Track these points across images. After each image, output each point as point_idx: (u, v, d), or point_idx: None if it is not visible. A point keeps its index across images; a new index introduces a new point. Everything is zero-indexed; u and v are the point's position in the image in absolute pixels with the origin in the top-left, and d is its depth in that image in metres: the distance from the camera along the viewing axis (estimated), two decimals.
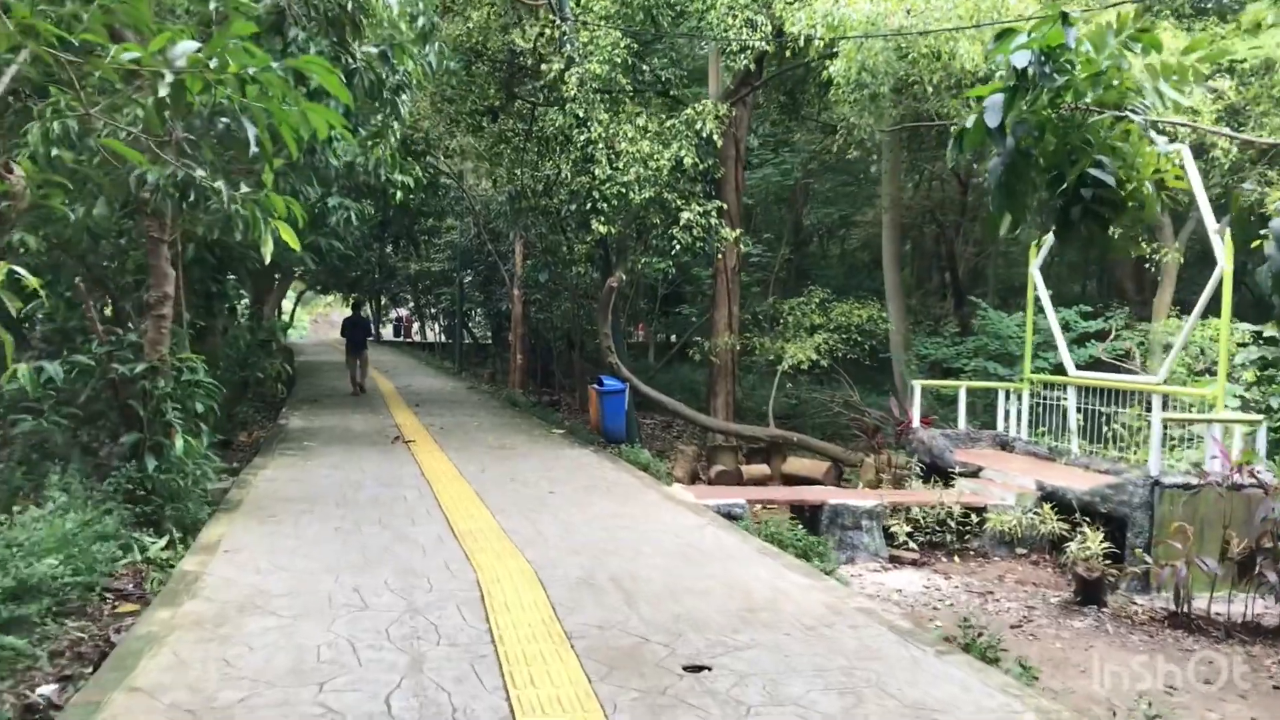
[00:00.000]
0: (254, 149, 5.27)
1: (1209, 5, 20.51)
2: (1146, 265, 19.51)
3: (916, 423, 14.34)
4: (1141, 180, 7.90)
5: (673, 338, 36.91)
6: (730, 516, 10.82)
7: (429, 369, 36.50)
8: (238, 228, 6.52)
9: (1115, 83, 7.78)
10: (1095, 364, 18.97)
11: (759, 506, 11.76)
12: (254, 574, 7.74)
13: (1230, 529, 10.36)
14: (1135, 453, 12.73)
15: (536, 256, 27.28)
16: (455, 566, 8.06)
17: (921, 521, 11.53)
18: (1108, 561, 10.61)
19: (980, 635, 7.29)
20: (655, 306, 33.40)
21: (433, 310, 47.53)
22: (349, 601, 7.02)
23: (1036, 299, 14.26)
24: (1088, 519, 10.94)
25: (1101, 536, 10.62)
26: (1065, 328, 19.95)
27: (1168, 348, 18.89)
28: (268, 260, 6.36)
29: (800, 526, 10.73)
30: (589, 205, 15.15)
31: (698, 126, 14.96)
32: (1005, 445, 14.42)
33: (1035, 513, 11.45)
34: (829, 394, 21.78)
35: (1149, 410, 12.47)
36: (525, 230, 26.08)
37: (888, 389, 23.10)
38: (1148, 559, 10.08)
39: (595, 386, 16.09)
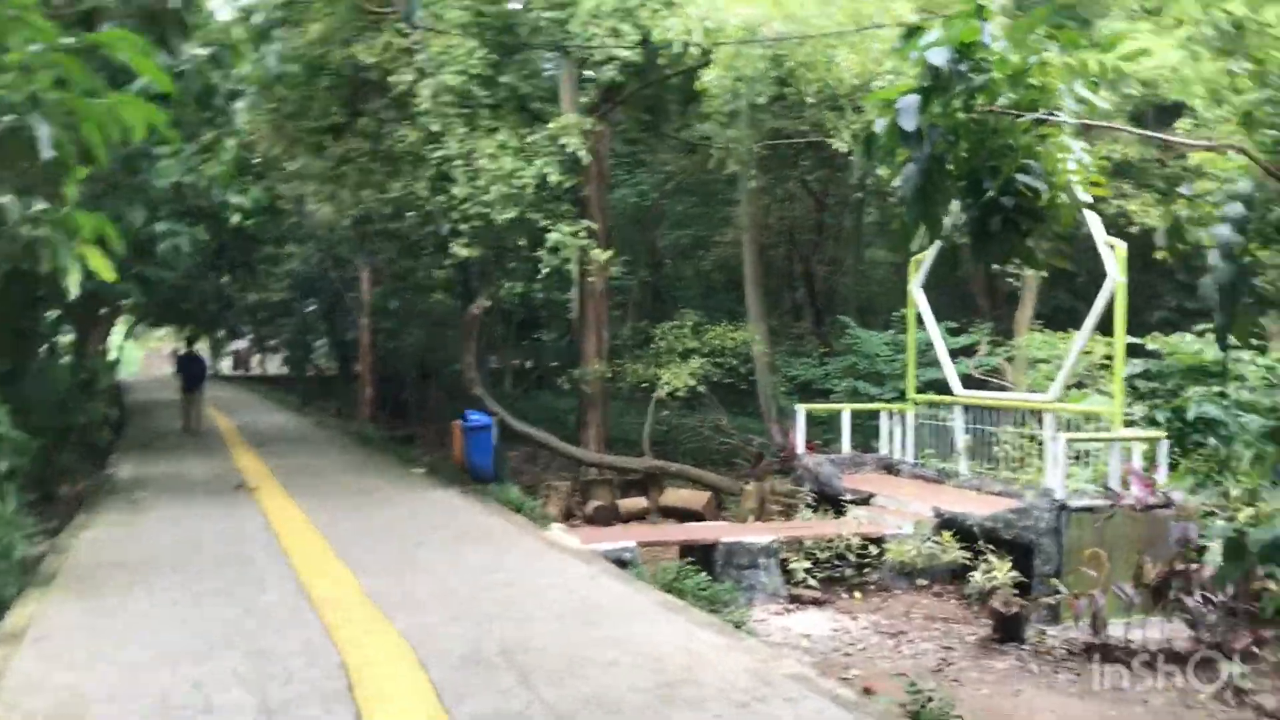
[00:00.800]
0: (47, 153, 4.12)
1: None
2: (1010, 279, 19.46)
3: (801, 448, 13.72)
4: (1059, 188, 7.32)
5: (528, 364, 35.94)
6: (620, 563, 9.90)
7: (270, 404, 34.53)
8: (39, 254, 5.31)
9: (1036, 82, 7.17)
10: (966, 381, 18.81)
11: (650, 548, 10.88)
12: (68, 670, 6.43)
13: (1142, 553, 9.98)
14: (1029, 473, 12.36)
15: (386, 283, 25.92)
16: (316, 646, 6.90)
17: (820, 556, 10.84)
18: (1015, 591, 10.10)
19: (930, 701, 6.53)
20: (511, 332, 32.31)
21: (273, 342, 45.29)
22: (188, 702, 5.81)
23: (919, 317, 13.81)
24: (991, 546, 10.43)
25: (1009, 565, 10.12)
26: (929, 345, 19.81)
27: (1033, 363, 18.92)
28: (74, 292, 5.17)
29: (695, 569, 9.88)
30: (448, 227, 14.09)
31: (562, 142, 14.07)
32: (890, 468, 13.92)
33: (935, 541, 10.89)
34: (699, 419, 21.12)
35: (1041, 428, 12.12)
36: (372, 256, 24.73)
37: (751, 410, 22.61)
38: (1062, 589, 9.59)
39: (460, 421, 14.98)
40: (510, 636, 7.02)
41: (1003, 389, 17.31)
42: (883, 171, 7.83)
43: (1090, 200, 7.36)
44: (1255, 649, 9.31)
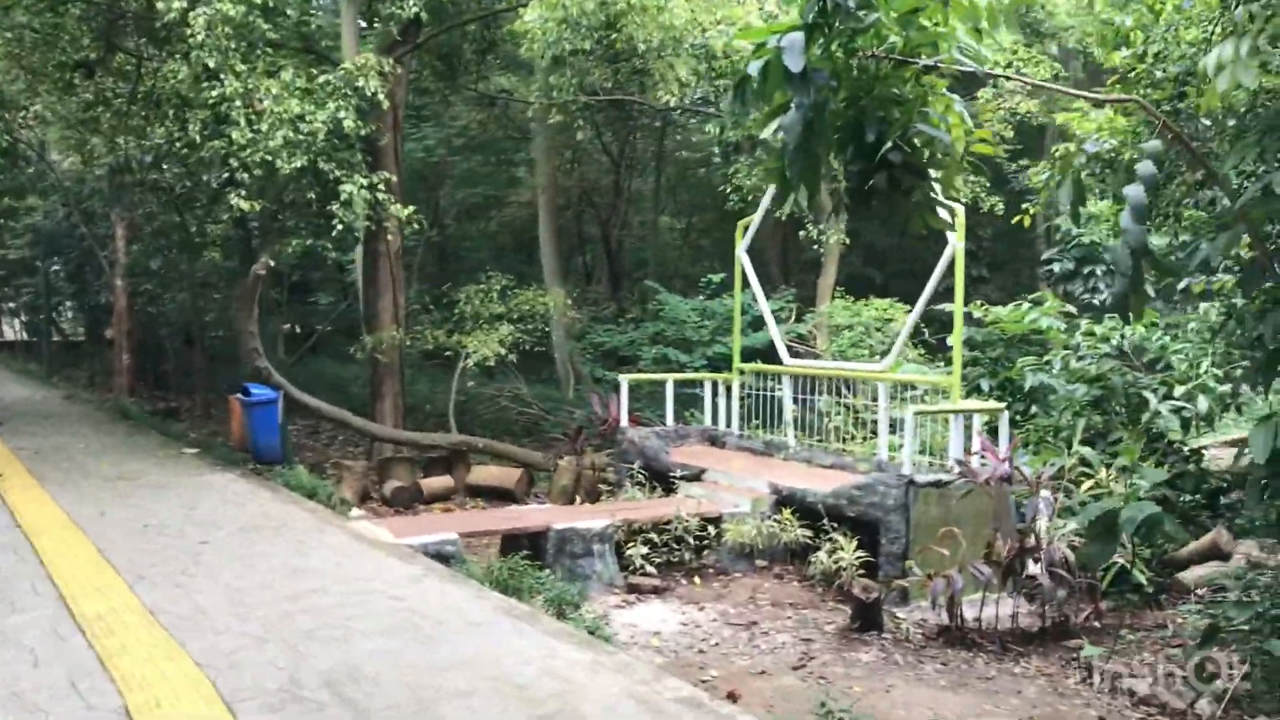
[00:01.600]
0: None
1: None
2: (815, 246, 19.24)
3: (625, 421, 12.88)
4: (952, 143, 6.65)
5: (298, 329, 33.62)
6: (442, 557, 8.78)
7: (10, 373, 31.09)
8: None
9: (928, 24, 6.49)
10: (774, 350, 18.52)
11: (474, 538, 9.79)
12: None
13: (992, 529, 9.67)
14: (860, 444, 11.97)
15: (145, 240, 23.42)
16: (88, 684, 5.54)
17: (656, 540, 10.05)
18: (861, 571, 9.62)
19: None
20: (285, 294, 30.08)
21: (11, 305, 40.91)
22: None
23: (746, 283, 13.19)
24: (834, 524, 9.91)
25: (855, 545, 9.62)
26: (741, 312, 19.40)
27: (837, 329, 18.83)
28: None
29: (529, 562, 8.89)
30: (225, 176, 12.44)
31: (359, 84, 12.61)
32: (715, 441, 13.30)
33: (775, 520, 10.30)
34: (496, 388, 20.00)
35: (874, 399, 11.73)
36: (130, 210, 22.25)
37: (549, 378, 21.70)
38: (916, 569, 9.14)
39: (240, 396, 13.36)
40: (334, 662, 5.85)
41: (813, 356, 17.06)
42: (754, 120, 7.01)
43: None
44: (1096, 623, 9.21)
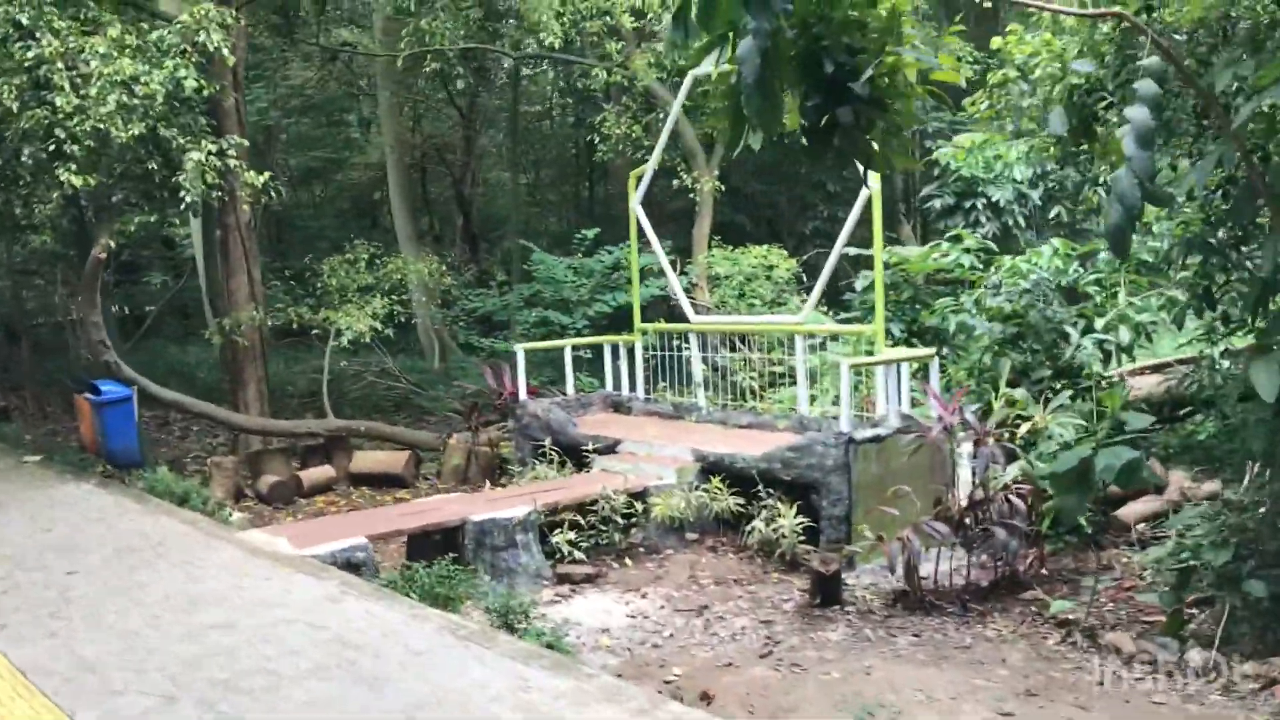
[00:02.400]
0: None
1: None
2: (691, 194, 18.56)
3: (524, 394, 11.98)
4: (906, 74, 6.11)
5: (126, 310, 31.18)
6: (352, 565, 7.81)
7: None
8: None
9: None
10: (653, 306, 17.87)
11: (384, 539, 8.80)
12: None
13: (934, 482, 9.25)
14: (777, 401, 11.42)
15: None
16: None
17: (582, 522, 9.27)
18: (802, 538, 9.08)
19: None
20: (114, 275, 27.79)
21: None
22: None
23: (642, 237, 12.41)
24: (769, 490, 9.32)
25: (795, 510, 9.06)
26: (616, 268, 18.63)
27: (716, 279, 18.27)
28: None
29: (458, 565, 7.99)
30: (51, 149, 10.92)
31: (200, 38, 11.21)
32: (619, 407, 12.54)
33: (704, 489, 9.64)
34: (360, 365, 18.77)
35: (792, 353, 11.17)
36: None
37: (407, 349, 20.55)
38: (867, 532, 8.62)
39: (88, 395, 11.91)
40: None
41: (704, 310, 16.46)
42: (693, 53, 6.20)
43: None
44: (1043, 570, 8.91)
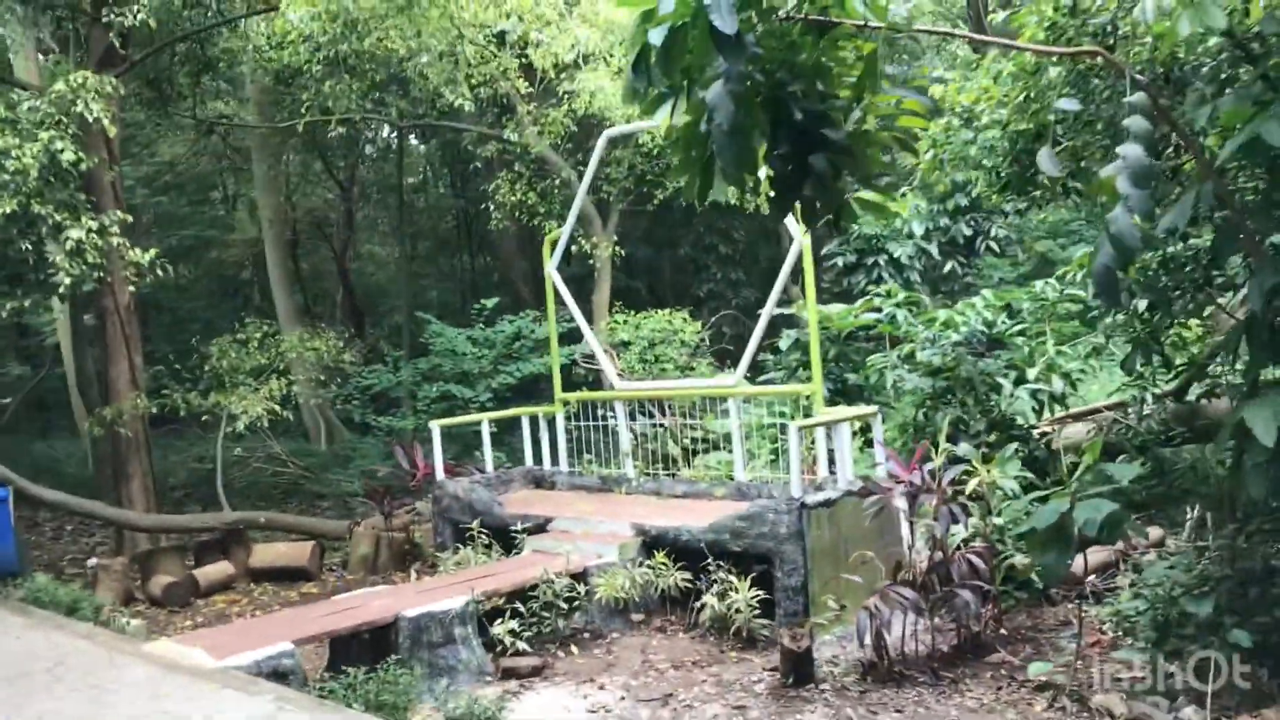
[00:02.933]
0: None
1: None
2: (590, 260, 18.20)
3: (441, 473, 11.28)
4: (876, 119, 5.90)
5: None
6: (278, 675, 7.02)
7: None
8: None
9: None
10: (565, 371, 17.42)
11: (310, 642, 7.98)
12: None
13: (884, 545, 8.91)
14: (706, 469, 10.99)
15: None
16: None
17: (523, 610, 8.62)
18: (756, 611, 8.62)
19: None
20: None
21: None
22: None
23: (560, 303, 11.92)
24: (720, 563, 8.85)
25: (749, 583, 8.61)
26: (517, 338, 18.10)
27: (618, 345, 17.91)
28: None
29: (401, 668, 7.26)
30: None
31: (77, 108, 10.41)
32: (541, 482, 11.93)
33: (649, 566, 9.12)
34: (244, 450, 17.70)
35: (719, 417, 10.77)
36: None
37: (287, 432, 19.54)
38: (831, 602, 8.21)
39: None
40: None
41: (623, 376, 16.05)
42: (646, 103, 5.84)
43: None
44: (1002, 629, 8.63)
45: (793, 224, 9.73)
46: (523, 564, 9.48)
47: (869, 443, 10.76)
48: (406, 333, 19.88)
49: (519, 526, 10.09)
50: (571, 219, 11.66)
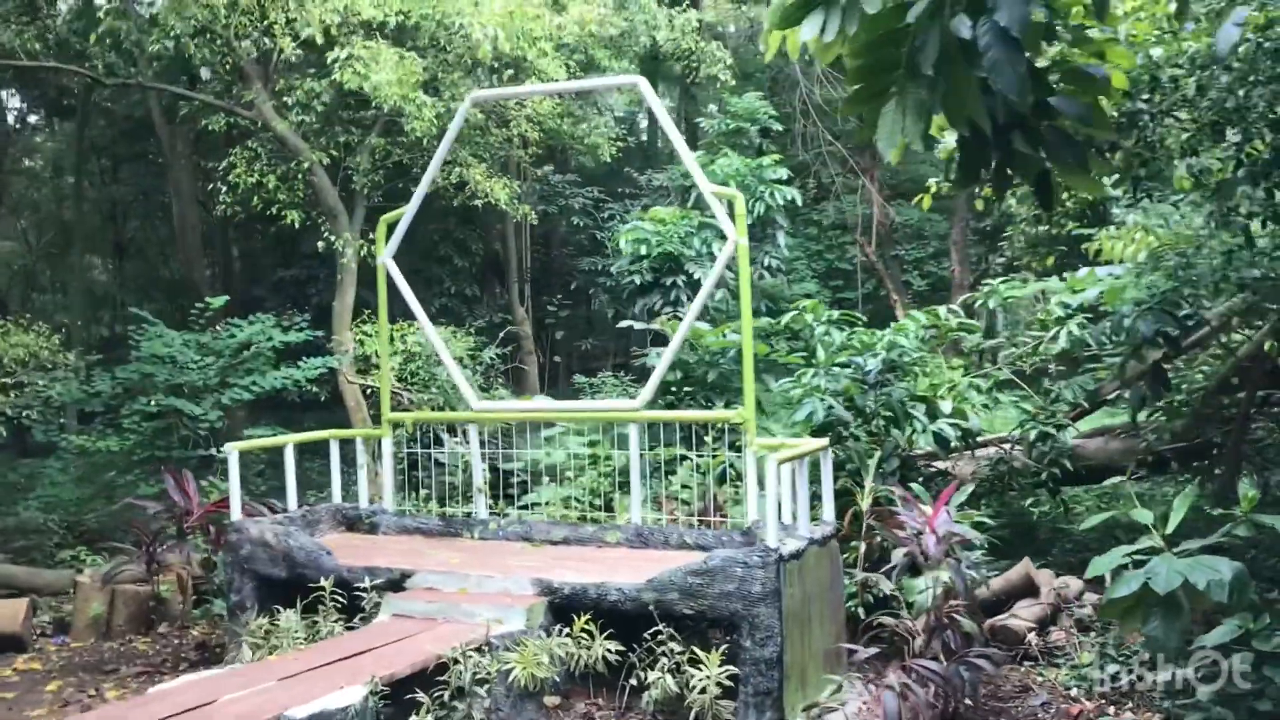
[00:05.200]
0: None
1: None
2: (341, 258, 15.65)
3: (238, 512, 8.55)
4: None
5: None
6: None
7: None
8: None
9: None
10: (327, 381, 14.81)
11: None
12: None
13: (835, 601, 7.51)
14: (547, 507, 9.12)
15: None
16: None
17: (426, 700, 6.37)
18: (718, 692, 6.90)
19: None
20: None
21: None
22: None
23: (398, 299, 9.59)
24: (671, 628, 7.05)
25: (719, 657, 6.88)
26: (245, 346, 15.11)
27: (366, 360, 15.64)
28: None
29: None
30: None
31: None
32: (355, 524, 9.46)
33: (570, 636, 7.12)
34: None
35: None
36: None
37: None
38: (832, 677, 6.63)
39: None
40: None
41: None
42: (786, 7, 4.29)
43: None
44: (968, 700, 7.46)
45: (725, 220, 8.14)
46: (387, 632, 7.16)
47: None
48: (96, 336, 16.21)
49: (367, 583, 7.71)
50: (416, 199, 9.40)
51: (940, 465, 10.08)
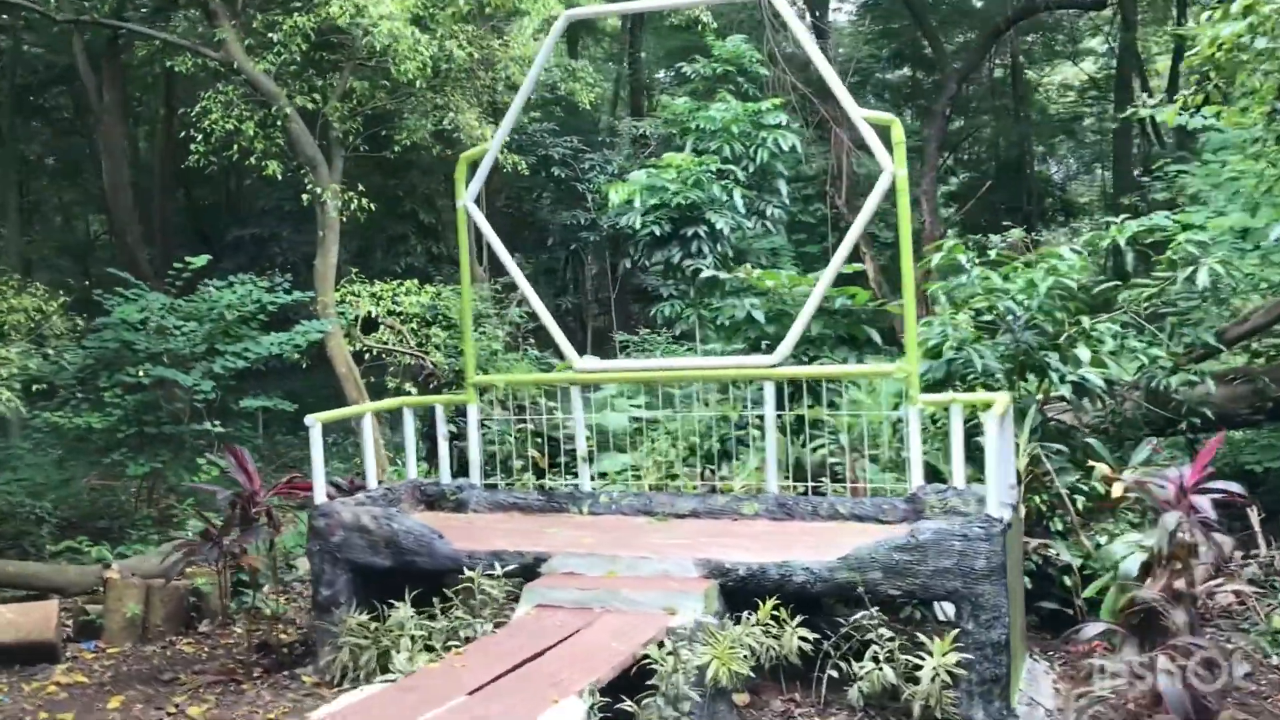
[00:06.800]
0: None
1: None
2: (293, 217, 14.27)
3: (321, 494, 7.34)
4: None
5: None
6: None
7: None
8: None
9: None
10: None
11: None
12: None
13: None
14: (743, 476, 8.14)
15: None
16: None
17: (637, 709, 5.36)
18: (947, 682, 6.02)
19: None
20: None
21: None
22: None
23: (487, 250, 8.39)
24: (876, 610, 6.15)
25: (949, 643, 6.00)
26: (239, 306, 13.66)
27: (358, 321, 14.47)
28: None
29: None
30: None
31: None
32: (437, 502, 8.30)
33: (759, 626, 6.16)
34: None
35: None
36: None
37: None
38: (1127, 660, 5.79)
39: None
40: None
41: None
42: None
43: None
44: None
45: (880, 149, 7.20)
46: (545, 628, 6.10)
47: None
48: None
49: (498, 569, 6.63)
50: (500, 136, 8.17)
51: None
